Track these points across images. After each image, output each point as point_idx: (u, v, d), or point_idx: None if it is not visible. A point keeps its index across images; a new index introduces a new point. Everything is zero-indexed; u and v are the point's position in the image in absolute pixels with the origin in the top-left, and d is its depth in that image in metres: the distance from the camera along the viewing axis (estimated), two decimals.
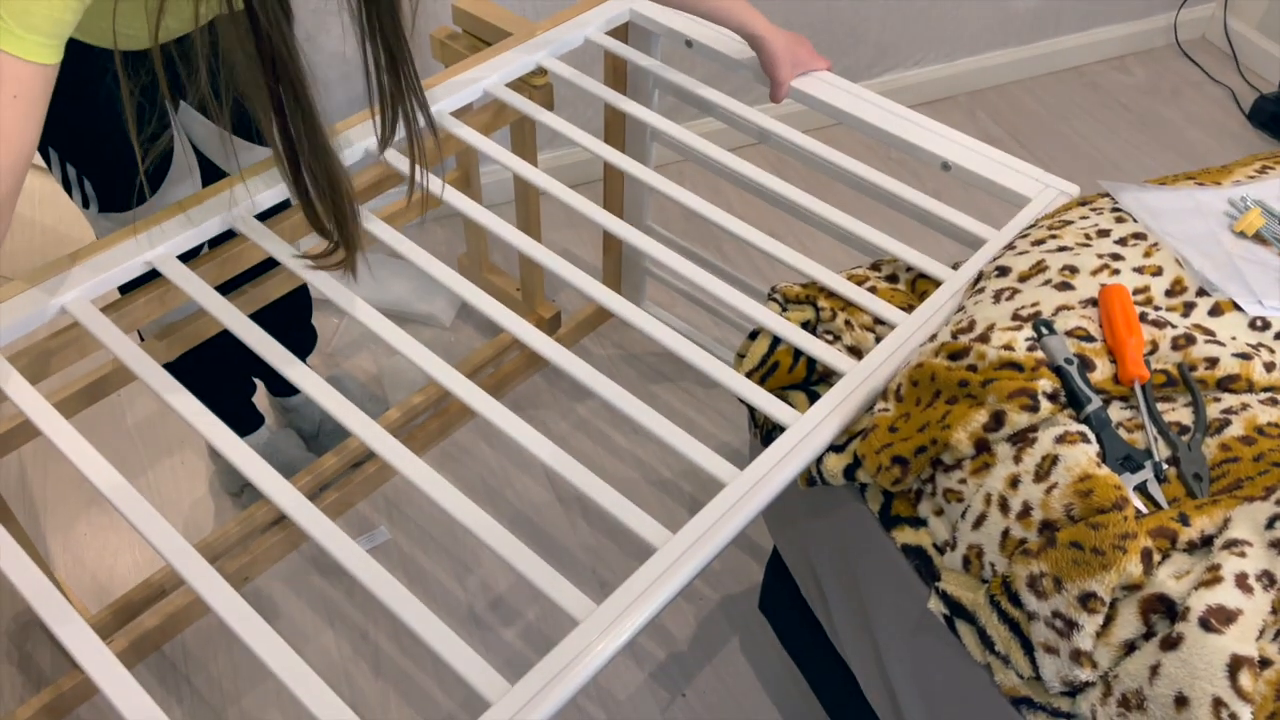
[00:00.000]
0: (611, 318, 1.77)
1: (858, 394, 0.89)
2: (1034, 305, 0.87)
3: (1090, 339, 0.83)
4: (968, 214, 1.08)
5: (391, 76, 0.81)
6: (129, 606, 1.31)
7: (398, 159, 1.06)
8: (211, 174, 1.14)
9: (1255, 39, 2.33)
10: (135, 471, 1.54)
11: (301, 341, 1.49)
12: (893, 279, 1.05)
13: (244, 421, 1.48)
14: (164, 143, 1.06)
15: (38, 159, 1.01)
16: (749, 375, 0.96)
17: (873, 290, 1.03)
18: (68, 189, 1.09)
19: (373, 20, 0.76)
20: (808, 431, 0.86)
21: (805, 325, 0.97)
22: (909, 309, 1.01)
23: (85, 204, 1.10)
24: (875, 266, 1.07)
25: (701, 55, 1.31)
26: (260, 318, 0.98)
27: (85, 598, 1.38)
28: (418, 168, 0.90)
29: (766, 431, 1.01)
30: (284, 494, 0.81)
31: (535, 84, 1.30)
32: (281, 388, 1.56)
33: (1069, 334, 0.83)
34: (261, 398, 1.60)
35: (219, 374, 1.35)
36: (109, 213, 1.10)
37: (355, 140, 1.10)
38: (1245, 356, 0.82)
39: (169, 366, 0.92)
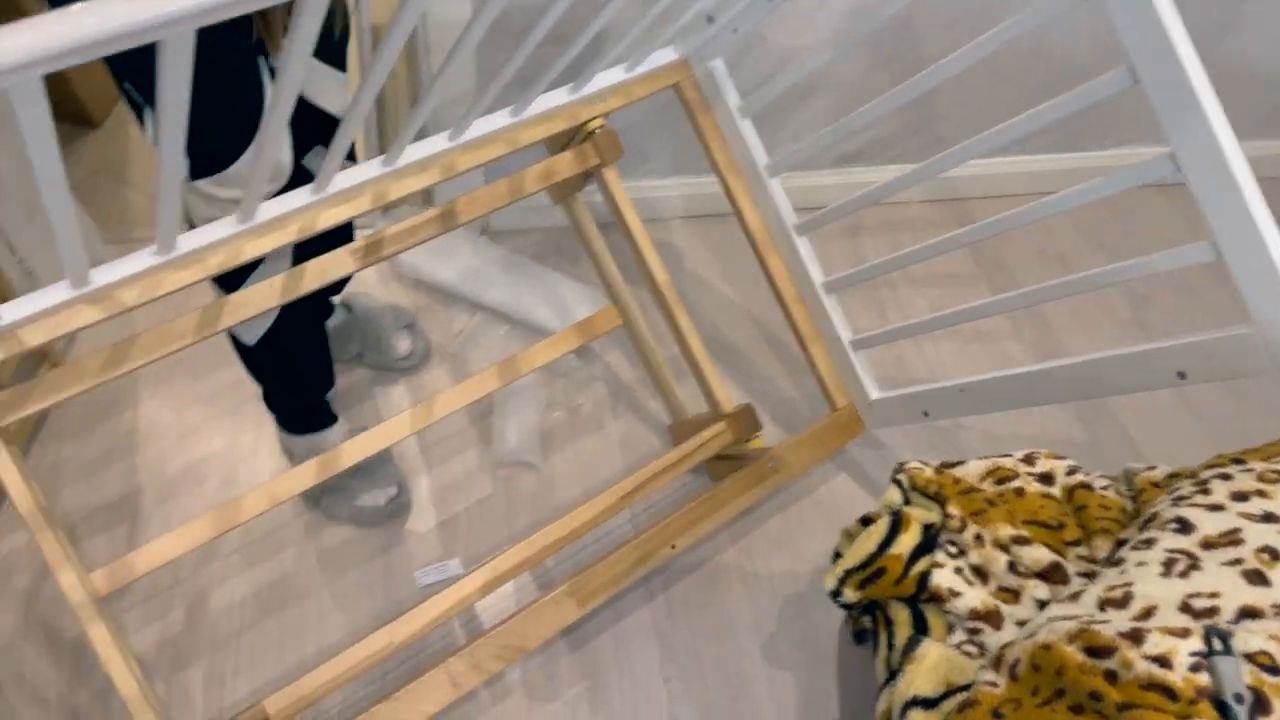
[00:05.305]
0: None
1: None
2: (1212, 596, 0.70)
3: (1276, 670, 0.65)
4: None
5: None
6: None
7: None
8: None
9: None
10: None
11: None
12: (1046, 479, 0.89)
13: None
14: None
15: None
16: (847, 574, 0.83)
17: (1019, 492, 0.87)
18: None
19: None
20: None
21: (928, 529, 0.83)
22: (1059, 526, 0.85)
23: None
24: (1028, 459, 0.90)
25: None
26: None
27: None
28: None
29: (858, 631, 0.89)
30: None
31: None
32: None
33: (1249, 657, 0.66)
34: None
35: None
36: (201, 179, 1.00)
37: None
38: None
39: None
